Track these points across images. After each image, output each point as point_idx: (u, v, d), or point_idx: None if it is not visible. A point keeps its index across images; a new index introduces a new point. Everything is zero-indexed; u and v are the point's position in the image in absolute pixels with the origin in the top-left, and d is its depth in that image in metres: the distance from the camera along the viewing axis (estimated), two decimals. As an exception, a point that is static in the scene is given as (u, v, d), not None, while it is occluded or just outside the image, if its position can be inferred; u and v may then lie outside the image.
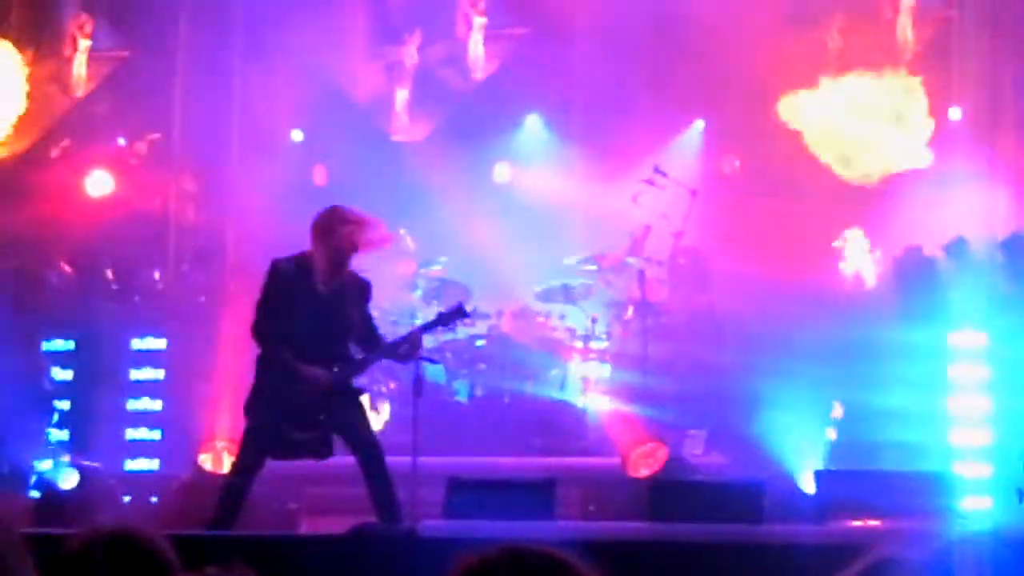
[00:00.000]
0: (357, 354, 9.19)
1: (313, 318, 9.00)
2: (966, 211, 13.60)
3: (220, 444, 12.37)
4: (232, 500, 8.99)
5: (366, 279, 9.35)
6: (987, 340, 12.05)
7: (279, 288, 9.07)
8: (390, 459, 9.22)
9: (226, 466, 11.90)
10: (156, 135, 15.62)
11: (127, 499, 12.46)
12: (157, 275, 14.65)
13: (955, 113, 15.03)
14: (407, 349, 9.29)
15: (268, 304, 9.09)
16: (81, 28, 16.10)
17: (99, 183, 15.33)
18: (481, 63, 16.35)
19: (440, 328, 9.92)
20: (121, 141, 15.54)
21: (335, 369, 9.01)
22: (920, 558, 2.51)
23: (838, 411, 12.35)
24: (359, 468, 9.02)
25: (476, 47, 16.32)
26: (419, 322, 12.91)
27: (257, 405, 9.08)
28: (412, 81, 16.28)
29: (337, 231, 9.04)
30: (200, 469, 12.45)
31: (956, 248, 12.97)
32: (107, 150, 15.58)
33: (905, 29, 15.32)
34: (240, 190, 15.48)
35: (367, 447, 9.03)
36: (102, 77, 16.21)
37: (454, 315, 9.64)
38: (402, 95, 16.28)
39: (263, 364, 9.13)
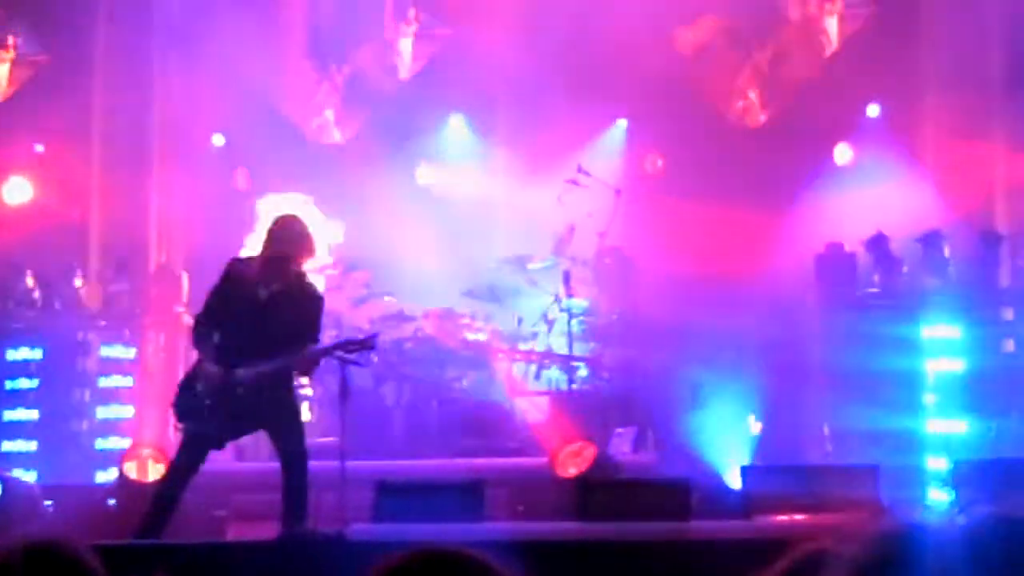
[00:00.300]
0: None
1: (247, 321, 8.95)
2: (886, 207, 13.72)
3: (145, 452, 12.25)
4: (163, 506, 8.92)
5: (320, 293, 9.32)
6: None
7: (224, 287, 9.12)
8: (318, 463, 9.17)
9: (151, 474, 11.82)
10: (76, 140, 15.42)
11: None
12: (79, 282, 14.45)
13: (874, 110, 15.17)
14: (304, 365, 9.23)
15: (210, 299, 9.18)
16: (4, 40, 15.84)
17: (17, 190, 15.13)
18: (407, 64, 16.31)
19: (341, 352, 9.38)
20: (39, 147, 15.33)
21: (239, 371, 8.90)
22: (846, 552, 2.52)
23: (755, 426, 12.45)
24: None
25: (404, 50, 16.28)
26: (346, 320, 12.94)
27: (178, 393, 9.09)
28: (340, 96, 16.24)
29: (297, 242, 9.02)
30: (125, 477, 12.32)
31: (876, 244, 13.09)
32: (25, 156, 15.35)
33: (828, 26, 15.46)
34: (162, 195, 15.34)
35: (284, 455, 8.99)
36: (20, 82, 15.98)
37: (359, 344, 9.39)
38: (329, 113, 16.24)
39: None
